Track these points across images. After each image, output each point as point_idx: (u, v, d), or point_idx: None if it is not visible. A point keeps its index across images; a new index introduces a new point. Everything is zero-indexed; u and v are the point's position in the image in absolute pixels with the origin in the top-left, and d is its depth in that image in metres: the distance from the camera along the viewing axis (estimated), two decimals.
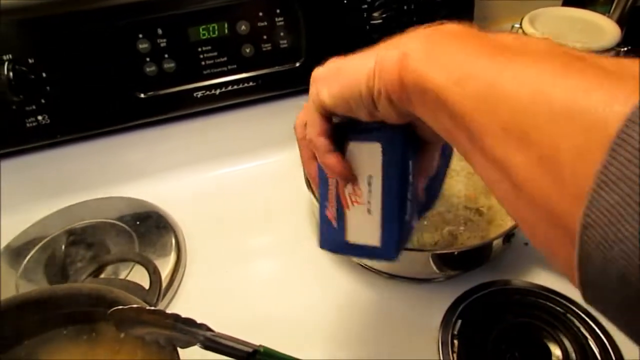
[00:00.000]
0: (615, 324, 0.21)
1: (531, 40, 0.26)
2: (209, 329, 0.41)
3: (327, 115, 0.36)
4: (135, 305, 0.39)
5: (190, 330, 0.41)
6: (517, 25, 0.71)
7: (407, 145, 0.36)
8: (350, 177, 0.38)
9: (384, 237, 0.38)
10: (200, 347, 0.41)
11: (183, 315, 0.41)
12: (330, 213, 0.40)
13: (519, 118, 0.21)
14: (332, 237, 0.40)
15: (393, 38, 0.31)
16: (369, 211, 0.38)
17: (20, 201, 0.68)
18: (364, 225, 0.38)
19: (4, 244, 0.65)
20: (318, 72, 0.36)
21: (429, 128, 0.30)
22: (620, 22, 0.72)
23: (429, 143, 0.38)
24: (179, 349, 0.41)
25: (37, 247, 0.64)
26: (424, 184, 0.42)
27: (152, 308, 0.40)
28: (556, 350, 0.50)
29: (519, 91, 0.21)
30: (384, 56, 0.30)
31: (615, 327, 0.21)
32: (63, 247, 0.62)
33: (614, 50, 0.67)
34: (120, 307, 0.39)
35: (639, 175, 0.16)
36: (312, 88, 0.37)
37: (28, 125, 0.62)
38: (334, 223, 0.40)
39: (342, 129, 0.37)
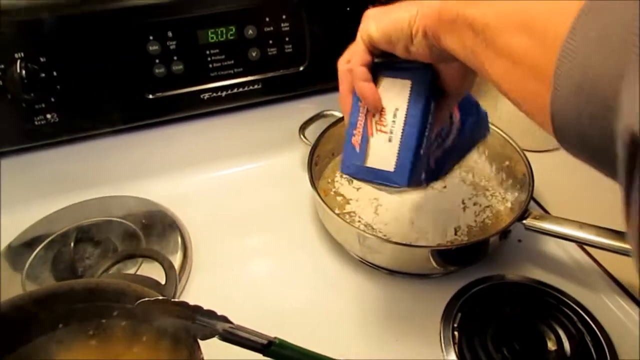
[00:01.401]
0: (584, 160, 0.27)
1: None
2: (228, 321, 0.43)
3: (371, 49, 0.43)
4: (161, 297, 0.41)
5: (210, 322, 0.42)
6: None
7: (432, 86, 0.43)
8: (380, 106, 0.44)
9: (398, 163, 0.43)
10: (218, 338, 0.43)
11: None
12: (356, 140, 0.45)
13: (523, 17, 0.29)
14: (354, 162, 0.45)
15: None
16: (390, 139, 0.43)
17: (25, 198, 0.68)
18: (383, 151, 0.43)
19: (8, 241, 0.65)
20: (370, 11, 0.43)
21: (450, 76, 0.42)
22: None
23: (446, 97, 0.45)
24: (199, 340, 0.43)
25: (42, 244, 0.65)
26: (439, 151, 0.50)
27: (177, 300, 0.41)
28: (550, 340, 0.53)
29: (521, 3, 0.30)
30: (426, 3, 0.37)
31: (588, 164, 0.27)
32: (72, 244, 0.63)
33: None
34: (147, 299, 0.41)
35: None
36: (363, 24, 0.43)
37: (37, 123, 0.63)
38: (357, 148, 0.45)
39: (379, 67, 0.44)
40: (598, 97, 0.24)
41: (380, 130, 0.44)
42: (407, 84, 0.43)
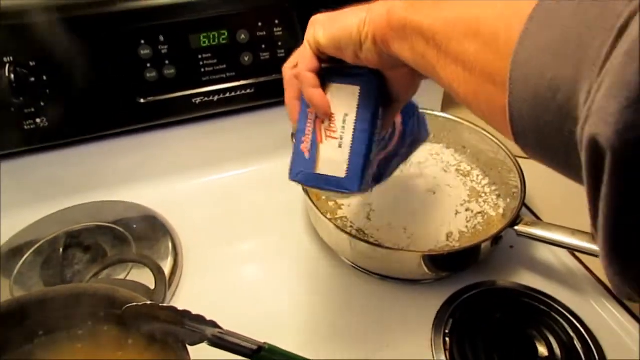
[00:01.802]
0: (540, 159, 0.27)
1: None
2: (218, 326, 0.42)
3: (318, 55, 0.42)
4: (149, 302, 0.41)
5: (200, 328, 0.42)
6: None
7: (380, 92, 0.43)
8: (329, 112, 0.43)
9: (349, 169, 0.43)
10: (207, 344, 0.43)
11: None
12: (305, 146, 0.44)
13: (472, 23, 0.30)
14: (303, 169, 0.44)
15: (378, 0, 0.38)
16: (339, 145, 0.43)
17: (14, 204, 0.67)
18: (333, 157, 0.43)
19: None
20: (317, 17, 0.43)
21: (398, 82, 0.42)
22: None
23: (393, 102, 0.45)
24: (187, 345, 0.42)
25: (32, 250, 0.64)
26: (382, 155, 0.51)
27: (165, 305, 0.41)
28: (541, 346, 0.53)
29: (470, 9, 0.30)
30: (374, 9, 0.37)
31: (543, 163, 0.27)
32: (61, 249, 0.62)
33: None
34: (135, 303, 0.40)
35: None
36: (310, 29, 0.43)
37: (26, 127, 0.63)
38: (307, 155, 0.44)
39: (326, 72, 0.43)
40: (555, 104, 0.23)
41: (330, 137, 0.43)
42: (355, 90, 0.43)
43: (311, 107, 0.43)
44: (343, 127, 0.43)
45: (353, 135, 0.43)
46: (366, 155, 0.43)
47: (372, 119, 0.42)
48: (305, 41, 0.43)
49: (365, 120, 0.42)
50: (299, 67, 0.43)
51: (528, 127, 0.26)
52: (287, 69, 0.46)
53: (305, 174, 0.44)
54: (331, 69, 0.43)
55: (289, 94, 0.46)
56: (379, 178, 0.53)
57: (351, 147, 0.43)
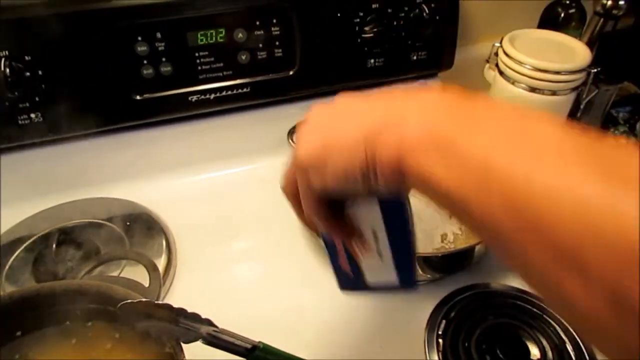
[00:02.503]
0: None
1: (540, 126, 0.24)
2: (213, 325, 0.42)
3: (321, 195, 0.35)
4: (144, 299, 0.40)
5: (194, 326, 0.42)
6: (498, 45, 0.76)
7: (404, 202, 0.37)
8: (355, 234, 0.38)
9: (401, 275, 0.40)
10: (202, 342, 0.42)
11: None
12: (344, 265, 0.41)
13: (572, 243, 0.20)
14: (351, 282, 0.42)
15: (379, 98, 0.30)
16: (380, 257, 0.40)
17: (6, 199, 0.67)
18: (379, 269, 0.40)
19: None
20: (301, 155, 0.33)
21: None
22: (589, 44, 0.77)
23: None
24: (182, 344, 0.42)
25: (23, 246, 0.64)
26: None
27: (160, 302, 0.41)
28: (534, 349, 0.53)
29: (560, 209, 0.21)
30: (378, 141, 0.28)
31: None
32: (54, 246, 0.62)
33: (585, 71, 0.72)
34: (130, 300, 0.40)
35: None
36: (302, 176, 0.35)
37: (21, 122, 0.62)
38: (348, 270, 0.41)
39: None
40: None
41: (366, 252, 0.40)
42: (374, 201, 0.37)
43: None
44: (376, 241, 0.39)
45: (390, 246, 0.39)
46: (411, 259, 0.40)
47: (403, 227, 0.37)
48: (300, 189, 0.36)
49: (397, 233, 0.38)
50: (304, 206, 0.37)
51: None
52: (287, 187, 0.39)
53: (356, 285, 0.42)
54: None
55: (298, 212, 0.40)
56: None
57: (393, 256, 0.39)
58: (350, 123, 0.31)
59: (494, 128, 0.25)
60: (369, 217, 0.38)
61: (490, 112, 0.26)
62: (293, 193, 0.37)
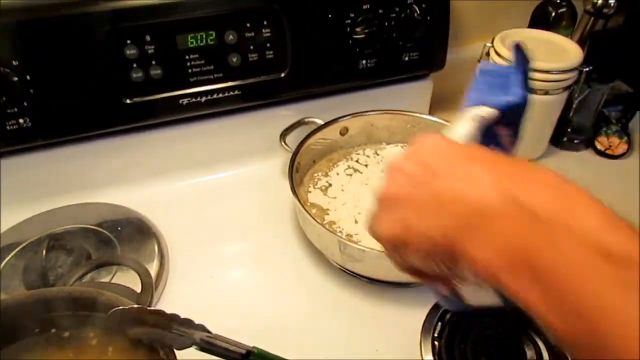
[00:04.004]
0: None
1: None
2: (206, 330, 0.42)
3: None
4: (136, 306, 0.40)
5: (188, 332, 0.41)
6: (489, 44, 0.76)
7: None
8: (453, 276, 0.37)
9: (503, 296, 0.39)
10: (196, 348, 0.42)
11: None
12: (444, 292, 0.40)
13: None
14: (454, 304, 0.41)
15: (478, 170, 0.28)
16: (480, 284, 0.38)
17: None
18: (481, 293, 0.39)
19: None
20: (383, 236, 0.34)
21: None
22: (580, 43, 0.78)
23: None
24: (175, 350, 0.42)
25: (13, 253, 0.63)
26: None
27: (153, 308, 0.40)
28: (529, 350, 0.53)
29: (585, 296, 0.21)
30: (467, 240, 0.28)
31: None
32: (44, 252, 0.61)
33: (577, 70, 0.73)
34: (122, 307, 0.39)
35: None
36: (393, 254, 0.35)
37: (9, 127, 0.61)
38: (452, 297, 0.40)
39: None
40: None
41: (466, 285, 0.39)
42: None
43: None
44: None
45: None
46: None
47: None
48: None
49: None
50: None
51: None
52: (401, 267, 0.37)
53: (459, 307, 0.41)
54: None
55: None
56: None
57: None
58: (433, 209, 0.30)
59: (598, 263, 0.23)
60: None
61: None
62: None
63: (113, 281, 0.58)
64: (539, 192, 0.26)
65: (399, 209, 0.32)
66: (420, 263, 0.32)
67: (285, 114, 0.74)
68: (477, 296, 0.40)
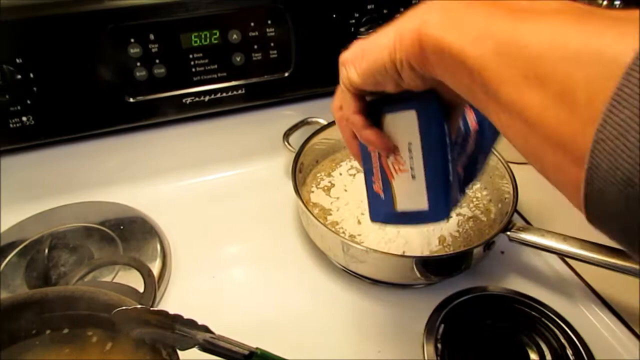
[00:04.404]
0: (618, 241, 0.23)
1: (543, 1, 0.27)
2: (209, 331, 0.42)
3: (358, 93, 0.39)
4: (139, 306, 0.40)
5: (190, 332, 0.41)
6: None
7: (439, 107, 0.37)
8: (391, 147, 0.40)
9: (431, 199, 0.39)
10: (198, 349, 0.42)
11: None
12: (377, 186, 0.41)
13: (536, 64, 0.23)
14: (382, 209, 0.42)
15: (410, 11, 0.32)
16: (413, 177, 0.39)
17: None
18: (411, 191, 0.40)
19: None
20: (344, 55, 0.38)
21: (451, 91, 0.32)
22: None
23: (453, 108, 0.39)
24: (178, 350, 0.42)
25: (15, 251, 0.63)
26: (463, 159, 0.46)
27: (156, 309, 0.40)
28: (533, 352, 0.53)
29: (536, 41, 0.24)
30: (403, 28, 0.31)
31: (618, 244, 0.24)
32: (46, 250, 0.61)
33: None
34: (124, 307, 0.39)
35: None
36: (342, 70, 0.39)
37: (12, 125, 0.61)
38: (382, 195, 0.41)
39: (376, 104, 0.40)
40: None
41: (400, 170, 0.40)
42: (412, 114, 0.38)
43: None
44: (411, 157, 0.39)
45: (424, 162, 0.39)
46: (445, 179, 0.38)
47: (439, 139, 0.38)
48: (340, 84, 0.40)
49: (432, 144, 0.38)
50: (343, 111, 0.40)
51: (613, 213, 0.21)
52: (335, 111, 0.42)
53: (386, 214, 0.42)
54: (379, 100, 0.40)
55: (345, 134, 0.43)
56: (469, 178, 0.48)
57: (426, 176, 0.39)
58: (382, 33, 0.34)
59: (491, 7, 0.27)
60: (406, 127, 0.38)
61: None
62: (339, 116, 0.41)
63: (115, 280, 0.58)
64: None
65: (359, 42, 0.37)
66: (369, 74, 0.36)
67: (289, 114, 0.74)
68: (407, 195, 0.40)
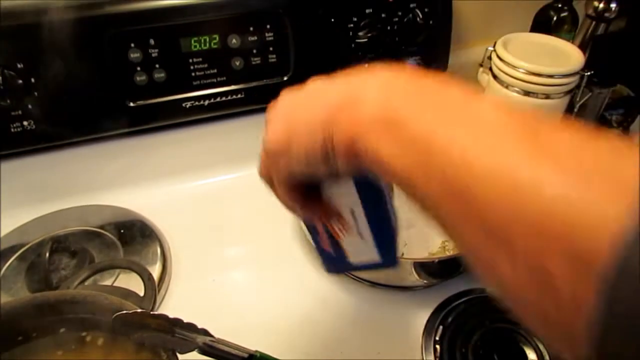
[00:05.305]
0: None
1: (481, 105, 0.25)
2: (209, 335, 0.42)
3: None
4: (139, 310, 0.40)
5: (190, 336, 0.41)
6: (491, 49, 0.76)
7: (374, 178, 0.36)
8: (334, 215, 0.38)
9: (383, 253, 0.41)
10: (198, 352, 0.42)
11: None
12: (326, 245, 0.42)
13: (500, 222, 0.20)
14: (335, 263, 0.43)
15: (339, 80, 0.30)
16: (360, 236, 0.40)
17: None
18: (361, 248, 0.41)
19: None
20: (270, 145, 0.34)
21: None
22: (582, 47, 0.78)
23: None
24: (178, 354, 0.42)
25: (16, 255, 0.63)
26: None
27: (156, 312, 0.40)
28: (531, 354, 0.53)
29: (491, 188, 0.21)
30: (335, 123, 0.28)
31: None
32: (47, 254, 0.61)
33: (579, 74, 0.73)
34: (125, 311, 0.40)
35: None
36: (272, 163, 0.35)
37: (13, 130, 0.61)
38: (332, 252, 0.42)
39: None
40: None
41: (346, 231, 0.40)
42: (349, 181, 0.36)
43: None
44: (355, 220, 0.39)
45: (369, 224, 0.39)
46: (391, 236, 0.40)
47: (379, 202, 0.38)
48: (273, 175, 0.36)
49: (374, 207, 0.38)
50: (279, 197, 0.37)
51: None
52: (264, 179, 0.38)
53: (340, 267, 0.43)
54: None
55: (278, 195, 0.38)
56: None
57: (373, 233, 0.39)
58: (312, 105, 0.31)
59: (440, 107, 0.25)
60: (346, 197, 0.38)
61: (439, 92, 0.26)
62: (269, 178, 0.37)
63: (116, 284, 0.58)
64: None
65: (282, 115, 0.33)
66: (300, 167, 0.32)
67: None
68: (357, 251, 0.41)
